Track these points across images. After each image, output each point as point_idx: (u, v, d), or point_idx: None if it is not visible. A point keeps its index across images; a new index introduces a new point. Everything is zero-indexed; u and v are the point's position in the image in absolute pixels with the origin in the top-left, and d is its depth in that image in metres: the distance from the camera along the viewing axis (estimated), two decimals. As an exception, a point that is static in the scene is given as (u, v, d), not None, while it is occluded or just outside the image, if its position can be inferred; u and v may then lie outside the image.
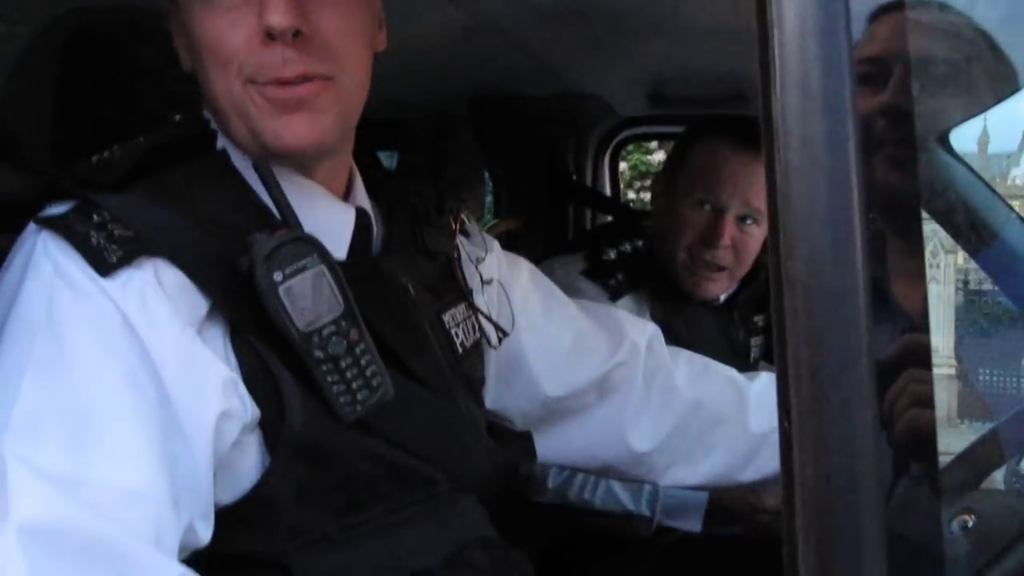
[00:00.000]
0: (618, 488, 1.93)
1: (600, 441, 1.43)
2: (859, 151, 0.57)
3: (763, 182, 1.91)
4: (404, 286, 1.11)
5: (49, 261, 0.88)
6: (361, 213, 1.09)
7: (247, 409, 0.92)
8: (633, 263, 2.06)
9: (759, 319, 2.13)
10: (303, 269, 0.93)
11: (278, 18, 0.92)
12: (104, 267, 0.87)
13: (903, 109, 0.66)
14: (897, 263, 0.66)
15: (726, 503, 1.91)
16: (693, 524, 1.94)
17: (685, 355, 1.49)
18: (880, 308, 0.59)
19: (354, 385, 0.96)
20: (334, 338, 0.95)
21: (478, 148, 2.55)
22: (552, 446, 1.42)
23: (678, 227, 1.99)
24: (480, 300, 1.27)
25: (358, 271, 1.03)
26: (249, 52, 0.95)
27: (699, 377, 1.47)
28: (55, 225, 0.90)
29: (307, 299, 0.94)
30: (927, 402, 0.66)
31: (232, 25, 0.95)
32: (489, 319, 1.27)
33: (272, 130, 0.97)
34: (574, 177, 2.79)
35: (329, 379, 0.95)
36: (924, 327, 0.65)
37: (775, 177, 0.59)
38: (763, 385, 1.47)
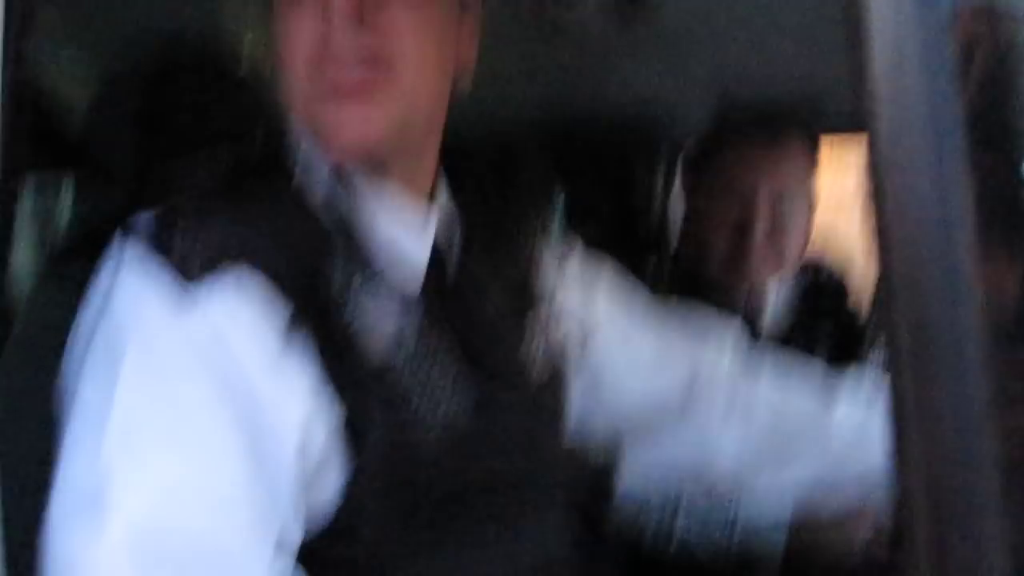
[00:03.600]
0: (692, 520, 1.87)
1: (686, 451, 1.40)
2: (967, 149, 0.56)
3: (791, 160, 1.88)
4: (485, 293, 1.11)
5: (136, 272, 0.89)
6: (445, 212, 1.10)
7: (332, 415, 0.92)
8: (673, 272, 2.04)
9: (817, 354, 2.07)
10: (380, 285, 0.95)
11: (342, 8, 0.93)
12: (190, 276, 0.88)
13: (1010, 123, 0.64)
14: (1007, 256, 0.64)
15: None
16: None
17: (768, 359, 1.46)
18: (990, 304, 0.57)
19: (435, 396, 0.97)
20: (415, 349, 0.96)
21: (549, 172, 2.55)
22: (637, 458, 1.40)
23: (711, 221, 1.95)
24: (563, 301, 1.26)
25: (438, 281, 1.04)
26: (315, 42, 0.96)
27: (783, 382, 1.44)
28: (140, 236, 0.91)
29: (386, 314, 0.95)
30: None
31: (305, 17, 0.96)
32: (571, 323, 1.25)
33: (329, 123, 0.97)
34: (645, 198, 2.77)
35: (409, 389, 0.95)
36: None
37: (878, 175, 0.58)
38: (849, 390, 1.43)
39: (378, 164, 1.02)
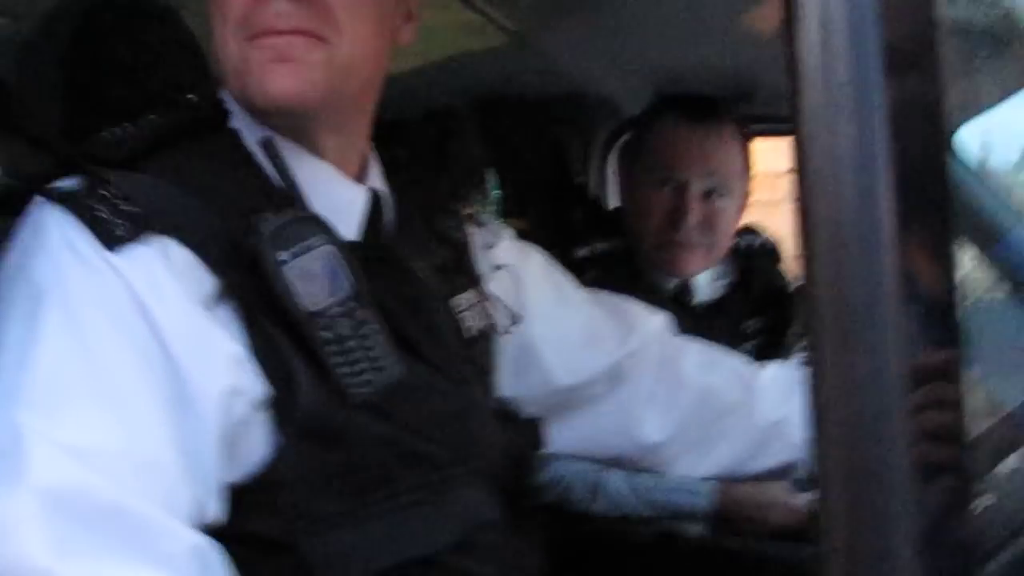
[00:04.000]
0: (620, 485, 1.90)
1: (610, 430, 1.42)
2: (889, 144, 0.57)
3: (725, 154, 1.91)
4: (414, 269, 1.10)
5: (57, 234, 0.88)
6: (373, 196, 1.09)
7: (256, 386, 0.91)
8: (607, 261, 2.03)
9: (751, 323, 2.10)
10: (309, 248, 0.92)
11: None
12: (112, 241, 0.87)
13: (931, 105, 0.65)
14: (926, 259, 0.65)
15: (732, 515, 1.89)
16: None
17: (695, 344, 1.49)
18: (911, 308, 0.59)
19: (361, 366, 0.95)
20: (341, 319, 0.94)
21: (483, 148, 2.54)
22: (562, 435, 1.40)
23: (643, 211, 1.96)
24: (491, 286, 1.26)
25: (368, 252, 1.03)
26: (248, 7, 0.95)
27: (709, 366, 1.46)
28: (63, 199, 0.89)
29: (313, 279, 0.93)
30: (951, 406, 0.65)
31: None
32: (499, 305, 1.26)
33: (258, 81, 0.96)
34: (580, 177, 2.78)
35: (336, 360, 0.94)
36: (955, 332, 0.64)
37: (805, 175, 0.59)
38: (772, 375, 1.46)
39: (308, 135, 1.02)
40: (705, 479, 1.73)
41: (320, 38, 0.96)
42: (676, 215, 1.91)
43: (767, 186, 2.27)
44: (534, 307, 1.33)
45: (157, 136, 0.98)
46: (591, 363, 1.38)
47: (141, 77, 1.26)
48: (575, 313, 1.39)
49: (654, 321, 1.45)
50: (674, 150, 1.93)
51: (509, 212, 2.81)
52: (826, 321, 0.58)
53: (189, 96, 1.09)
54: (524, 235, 2.54)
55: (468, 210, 1.27)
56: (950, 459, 0.64)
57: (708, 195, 1.92)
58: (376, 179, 1.12)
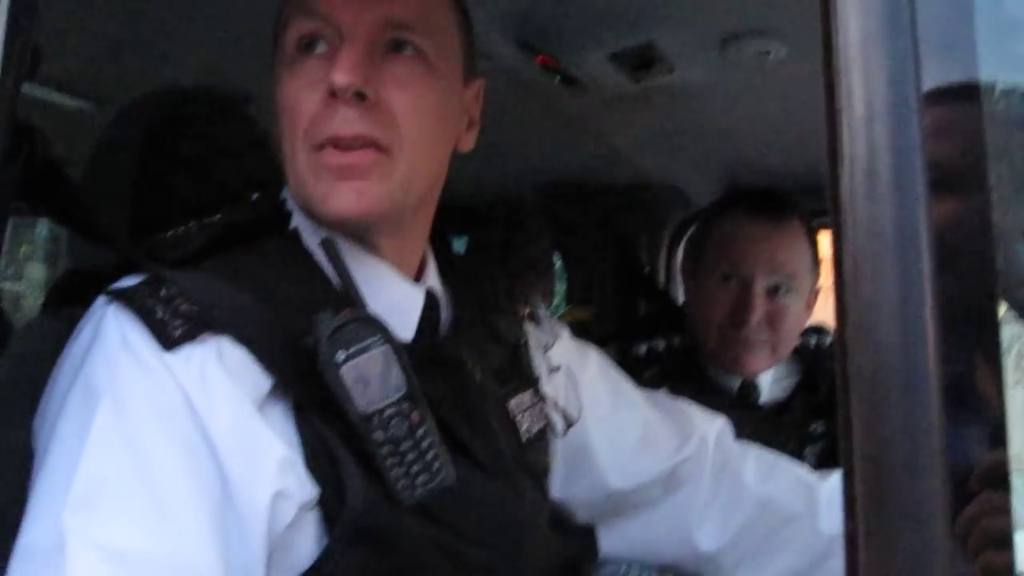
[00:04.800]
0: None
1: (665, 538, 1.38)
2: (930, 241, 0.55)
3: (791, 249, 1.86)
4: (470, 371, 1.09)
5: (115, 332, 0.89)
6: (430, 295, 1.09)
7: (305, 489, 0.91)
8: (669, 357, 2.00)
9: (817, 426, 2.04)
10: (366, 349, 0.92)
11: (341, 76, 0.94)
12: (167, 342, 0.88)
13: (978, 201, 0.64)
14: (974, 366, 0.63)
15: None
16: None
17: (755, 451, 1.45)
18: (956, 410, 0.57)
19: (414, 469, 0.94)
20: (395, 420, 0.94)
21: (549, 235, 2.56)
22: (616, 540, 1.38)
23: (707, 306, 1.92)
24: (547, 387, 1.25)
25: (424, 353, 1.03)
26: (315, 114, 0.97)
27: (768, 474, 1.42)
28: (123, 297, 0.91)
29: (369, 379, 0.92)
30: (1003, 539, 0.63)
31: (307, 89, 0.98)
32: (556, 407, 1.24)
33: (321, 195, 0.98)
34: (647, 268, 2.77)
35: (389, 462, 0.93)
36: (1002, 439, 0.62)
37: (843, 267, 0.57)
38: (835, 485, 1.41)
39: (367, 239, 1.03)
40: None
41: (382, 148, 0.97)
42: (740, 311, 1.88)
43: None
44: (590, 409, 1.31)
45: (219, 236, 1.00)
46: (647, 468, 1.35)
47: (212, 172, 1.28)
48: (631, 416, 1.37)
49: (713, 426, 1.42)
50: (739, 245, 1.90)
51: (574, 300, 2.81)
52: (860, 406, 0.56)
53: (254, 195, 1.11)
54: (588, 325, 2.56)
55: (525, 309, 1.27)
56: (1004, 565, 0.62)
57: (774, 292, 1.89)
58: (433, 278, 1.13)
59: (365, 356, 0.92)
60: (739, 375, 1.93)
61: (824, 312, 2.17)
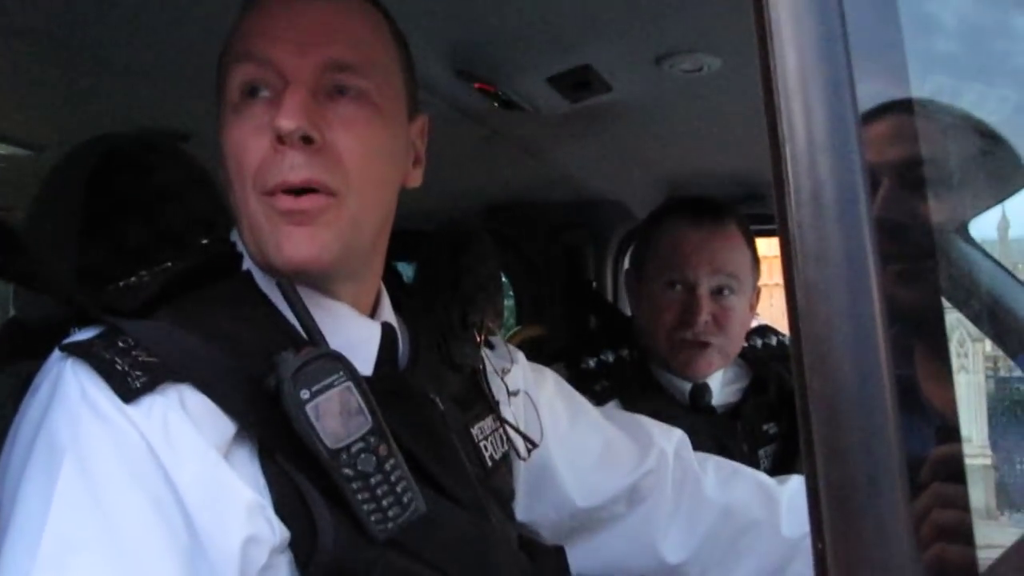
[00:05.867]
0: None
1: (631, 552, 1.40)
2: (877, 261, 0.57)
3: (732, 251, 1.89)
4: (432, 399, 1.10)
5: (75, 387, 0.88)
6: (387, 328, 1.09)
7: (275, 532, 0.90)
8: (620, 368, 2.01)
9: (769, 427, 2.08)
10: (330, 386, 0.92)
11: (287, 121, 0.94)
12: (128, 394, 0.86)
13: (917, 209, 0.66)
14: (924, 366, 0.65)
15: None
16: None
17: (713, 460, 1.47)
18: (910, 417, 0.58)
19: (385, 503, 0.94)
20: (363, 455, 0.93)
21: (497, 256, 2.57)
22: (583, 558, 1.38)
23: (655, 314, 1.94)
24: (507, 412, 1.26)
25: (385, 385, 1.03)
26: (263, 160, 0.96)
27: (728, 482, 1.44)
28: (81, 352, 0.89)
29: (334, 416, 0.92)
30: (954, 531, 0.64)
31: (253, 135, 0.97)
32: (517, 431, 1.25)
33: (275, 243, 0.97)
34: (594, 282, 2.80)
35: (359, 497, 0.93)
36: (955, 433, 0.64)
37: (795, 291, 0.59)
38: (795, 489, 1.44)
39: (322, 281, 1.02)
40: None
41: (331, 192, 0.97)
42: (687, 315, 1.91)
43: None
44: (550, 430, 1.32)
45: (171, 283, 0.99)
46: (609, 484, 1.36)
47: (155, 215, 1.28)
48: (591, 434, 1.38)
49: (671, 438, 1.43)
50: (681, 250, 1.93)
51: (524, 319, 2.82)
52: (820, 428, 0.58)
53: (204, 241, 1.10)
54: (539, 342, 2.57)
55: (480, 336, 1.27)
56: (962, 561, 0.63)
57: (718, 293, 1.92)
58: (388, 312, 1.13)
59: (329, 393, 0.92)
60: (690, 379, 1.96)
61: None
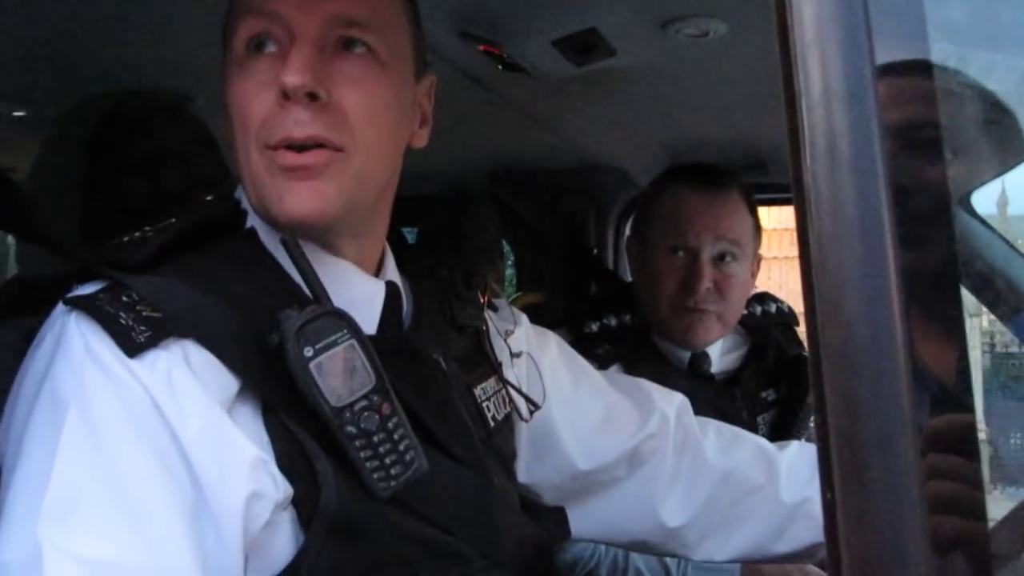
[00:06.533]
0: (643, 567, 1.88)
1: (631, 515, 1.40)
2: (892, 217, 0.57)
3: (734, 218, 1.90)
4: (435, 359, 1.10)
5: (79, 341, 0.88)
6: (391, 287, 1.09)
7: (279, 488, 0.91)
8: (620, 334, 2.02)
9: (768, 394, 2.08)
10: (334, 344, 0.92)
11: (292, 77, 0.94)
12: (132, 348, 0.86)
13: (934, 172, 0.65)
14: (935, 329, 0.65)
15: None
16: None
17: (714, 425, 1.47)
18: (921, 376, 0.58)
19: (388, 460, 0.95)
20: (366, 413, 0.93)
21: (498, 222, 2.56)
22: (583, 520, 1.39)
23: (656, 280, 1.95)
24: (510, 373, 1.26)
25: (389, 345, 1.02)
26: (267, 115, 0.96)
27: (729, 447, 1.45)
28: (84, 306, 0.89)
29: (338, 374, 0.92)
30: (953, 503, 0.64)
31: (258, 90, 0.97)
32: (520, 392, 1.25)
33: (277, 196, 0.97)
34: (595, 249, 2.79)
35: (362, 455, 0.93)
36: (968, 398, 0.64)
37: (809, 246, 0.58)
38: (794, 454, 1.45)
39: (325, 239, 1.02)
40: (730, 561, 1.71)
41: (336, 148, 0.97)
42: (689, 281, 1.91)
43: (788, 242, 2.28)
44: (553, 392, 1.32)
45: (176, 239, 0.99)
46: (610, 447, 1.37)
47: (160, 174, 1.27)
48: (593, 397, 1.39)
49: (673, 402, 1.44)
50: (684, 217, 1.93)
51: (525, 285, 2.82)
52: (832, 381, 0.58)
53: (207, 197, 1.10)
54: (540, 308, 2.57)
55: (484, 296, 1.27)
56: (968, 532, 0.63)
57: (720, 260, 1.92)
58: (392, 272, 1.13)
59: (333, 351, 0.92)
60: (690, 347, 1.97)
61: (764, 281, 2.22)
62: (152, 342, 0.87)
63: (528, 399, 1.26)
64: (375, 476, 0.93)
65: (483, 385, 1.18)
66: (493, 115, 2.12)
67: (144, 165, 1.27)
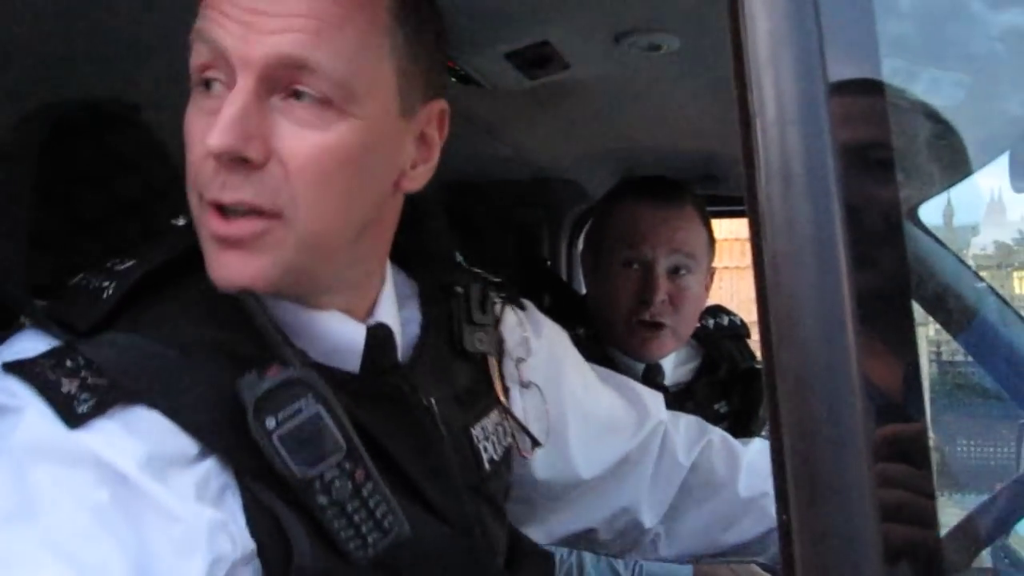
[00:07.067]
0: (592, 572, 1.88)
1: (612, 516, 1.43)
2: (846, 236, 0.58)
3: (688, 231, 1.94)
4: (425, 404, 1.04)
5: (14, 406, 0.81)
6: (375, 329, 1.01)
7: (236, 546, 0.84)
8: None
9: (720, 406, 2.10)
10: (298, 412, 0.86)
11: (216, 139, 0.84)
12: (73, 419, 0.80)
13: (886, 190, 0.67)
14: (888, 345, 0.66)
15: None
16: None
17: (684, 419, 1.49)
18: (875, 394, 0.59)
19: (364, 528, 0.89)
20: (338, 481, 0.88)
21: (451, 234, 2.55)
22: (566, 522, 1.41)
23: (611, 293, 1.97)
24: (516, 403, 1.23)
25: (372, 388, 0.98)
26: (199, 166, 0.89)
27: (697, 441, 1.47)
28: (24, 372, 0.82)
29: (305, 443, 0.86)
30: (901, 511, 0.65)
31: (203, 128, 0.87)
32: (523, 427, 1.21)
33: (209, 258, 0.91)
34: (548, 261, 2.80)
35: (336, 524, 0.88)
36: (919, 407, 0.65)
37: (764, 266, 0.59)
38: (756, 450, 1.47)
39: (290, 293, 0.95)
40: (678, 556, 1.72)
41: (272, 215, 0.88)
42: (644, 294, 1.93)
43: (739, 252, 2.31)
44: (570, 405, 1.32)
45: (133, 287, 0.91)
46: (608, 454, 1.38)
47: (111, 184, 1.25)
48: (598, 401, 1.39)
49: (659, 405, 1.46)
50: (638, 229, 1.95)
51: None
52: (787, 400, 0.58)
53: (180, 223, 1.02)
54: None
55: (499, 321, 1.23)
56: (920, 539, 0.64)
57: (674, 272, 1.95)
58: (386, 311, 1.06)
59: (298, 420, 0.86)
60: (644, 360, 1.98)
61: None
62: (97, 411, 0.81)
63: (531, 437, 1.22)
64: (351, 545, 0.89)
65: (483, 423, 1.13)
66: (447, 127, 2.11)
67: (95, 174, 1.25)
